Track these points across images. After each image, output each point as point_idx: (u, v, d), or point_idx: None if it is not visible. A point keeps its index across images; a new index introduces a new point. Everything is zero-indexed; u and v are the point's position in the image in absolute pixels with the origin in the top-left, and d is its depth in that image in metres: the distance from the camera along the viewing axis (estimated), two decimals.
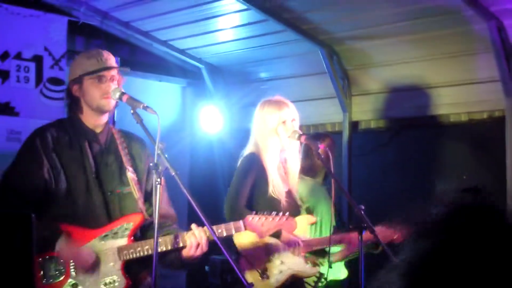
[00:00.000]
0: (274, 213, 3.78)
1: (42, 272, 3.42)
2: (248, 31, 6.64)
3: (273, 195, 4.37)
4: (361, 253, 4.04)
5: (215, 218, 3.74)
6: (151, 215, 3.54)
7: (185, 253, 3.51)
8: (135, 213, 3.57)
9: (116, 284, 3.44)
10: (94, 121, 3.66)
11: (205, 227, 3.47)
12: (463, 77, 6.08)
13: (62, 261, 3.43)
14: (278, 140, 4.45)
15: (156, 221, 3.17)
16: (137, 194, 3.59)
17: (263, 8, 6.00)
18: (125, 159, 3.66)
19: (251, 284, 2.98)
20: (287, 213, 3.85)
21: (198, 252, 3.47)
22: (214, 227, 3.55)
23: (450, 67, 6.11)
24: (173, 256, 3.59)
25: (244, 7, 6.05)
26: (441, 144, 6.42)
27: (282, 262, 4.46)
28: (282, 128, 4.44)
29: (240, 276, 3.00)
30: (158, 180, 3.17)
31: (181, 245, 3.48)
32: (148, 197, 3.69)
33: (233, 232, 3.68)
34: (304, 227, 4.63)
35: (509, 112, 5.75)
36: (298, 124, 4.53)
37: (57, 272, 3.43)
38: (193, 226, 3.50)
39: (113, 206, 3.57)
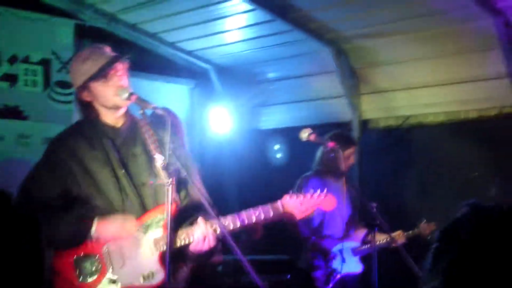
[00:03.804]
0: (311, 191, 3.69)
1: (77, 271, 3.36)
2: (255, 32, 6.63)
3: None
4: (375, 250, 4.05)
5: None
6: (185, 204, 3.48)
7: (192, 247, 3.40)
8: None
9: (155, 276, 3.37)
10: (113, 117, 3.54)
11: (212, 221, 3.38)
12: (471, 74, 6.06)
13: (98, 258, 3.37)
14: None
15: (168, 220, 3.12)
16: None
17: (269, 8, 6.00)
18: (152, 146, 3.52)
19: (266, 285, 2.95)
20: (325, 190, 3.74)
21: (206, 246, 3.36)
22: (251, 209, 3.46)
23: (458, 64, 6.10)
24: (187, 251, 3.46)
25: (251, 7, 6.06)
26: (451, 142, 6.40)
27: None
28: None
29: (253, 275, 2.98)
30: (169, 180, 3.12)
31: (190, 240, 3.37)
32: (181, 185, 3.54)
33: (271, 214, 3.49)
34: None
35: None
36: None
37: (93, 270, 3.37)
38: (199, 219, 3.39)
39: (147, 199, 3.47)
